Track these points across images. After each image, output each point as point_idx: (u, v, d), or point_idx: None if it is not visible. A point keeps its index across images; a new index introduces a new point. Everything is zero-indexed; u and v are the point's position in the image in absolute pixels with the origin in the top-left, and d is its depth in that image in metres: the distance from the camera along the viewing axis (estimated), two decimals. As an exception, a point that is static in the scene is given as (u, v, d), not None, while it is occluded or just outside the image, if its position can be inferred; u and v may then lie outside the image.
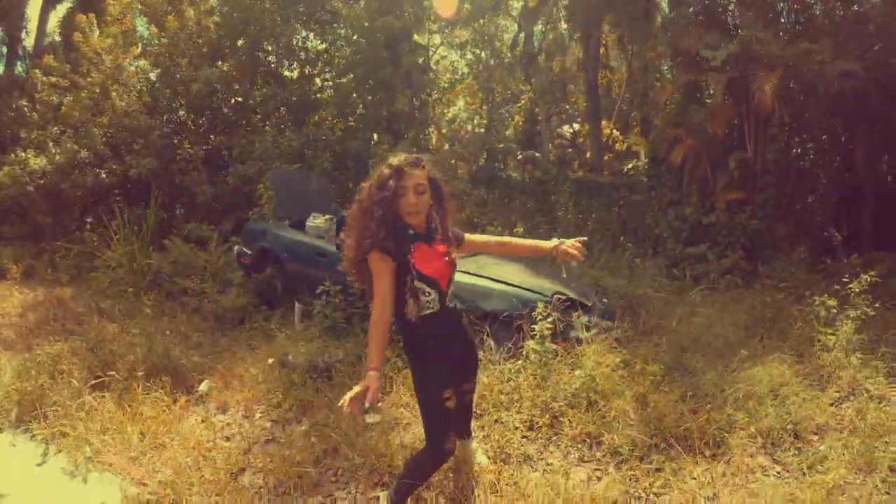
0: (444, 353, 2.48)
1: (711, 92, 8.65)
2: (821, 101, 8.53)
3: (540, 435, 3.28)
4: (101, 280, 7.34)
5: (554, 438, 3.25)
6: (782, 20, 9.29)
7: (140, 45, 10.89)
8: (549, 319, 3.81)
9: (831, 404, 3.50)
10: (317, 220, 5.83)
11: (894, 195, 9.48)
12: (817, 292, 4.99)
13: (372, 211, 2.28)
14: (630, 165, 12.68)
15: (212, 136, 10.27)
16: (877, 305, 4.47)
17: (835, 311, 4.53)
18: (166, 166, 9.52)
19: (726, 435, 3.19)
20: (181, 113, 10.48)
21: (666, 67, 14.14)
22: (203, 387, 4.22)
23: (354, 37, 10.24)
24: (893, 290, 6.34)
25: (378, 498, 2.77)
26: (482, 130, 18.86)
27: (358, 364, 4.24)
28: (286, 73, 11.16)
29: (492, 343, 4.03)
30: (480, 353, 3.94)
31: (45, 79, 10.74)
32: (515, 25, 16.04)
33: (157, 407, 3.67)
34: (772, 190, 8.09)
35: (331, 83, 11.07)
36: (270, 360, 4.53)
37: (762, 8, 8.78)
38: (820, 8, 9.27)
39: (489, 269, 4.74)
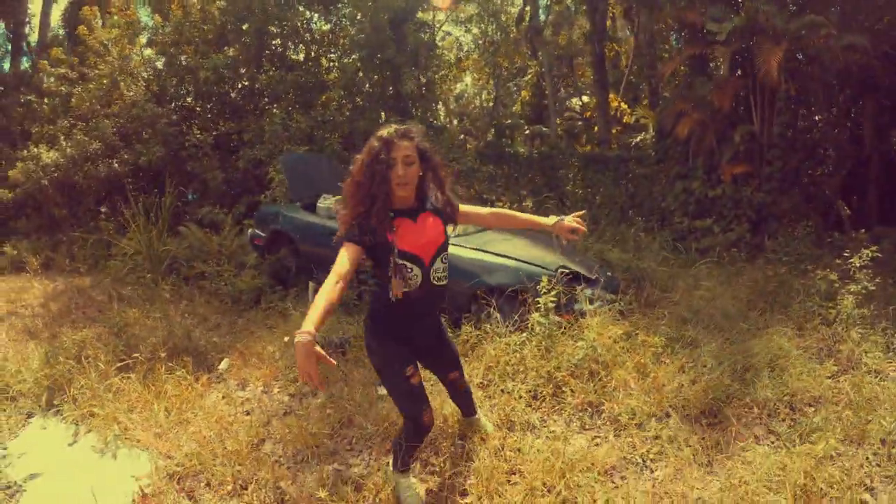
0: (408, 335, 2.50)
1: (717, 65, 8.69)
2: (827, 73, 8.50)
3: (543, 404, 3.46)
4: (119, 268, 7.56)
5: (557, 407, 3.42)
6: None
7: (146, 34, 10.99)
8: (553, 293, 3.97)
9: (829, 377, 3.59)
10: (327, 202, 6.01)
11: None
12: (820, 266, 5.12)
13: (364, 184, 2.28)
14: (638, 139, 12.72)
15: (220, 122, 10.44)
16: (877, 280, 4.56)
17: (836, 285, 4.63)
18: (175, 153, 9.71)
19: (723, 405, 3.35)
20: (189, 100, 10.63)
21: (673, 39, 14.05)
22: (223, 365, 4.44)
23: (359, 16, 10.31)
24: (889, 261, 6.45)
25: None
26: (490, 105, 18.90)
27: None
28: (291, 56, 11.28)
29: (498, 316, 4.20)
30: (487, 327, 4.13)
31: (53, 70, 10.90)
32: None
33: (181, 386, 3.88)
34: (778, 163, 8.14)
35: (336, 64, 11.17)
36: (286, 339, 4.74)
37: None
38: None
39: (494, 245, 4.93)
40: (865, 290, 4.35)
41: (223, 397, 3.91)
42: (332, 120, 9.75)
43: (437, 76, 12.40)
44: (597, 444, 3.08)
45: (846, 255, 4.71)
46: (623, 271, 5.73)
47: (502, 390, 3.56)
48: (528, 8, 15.04)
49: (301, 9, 10.81)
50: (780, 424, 3.20)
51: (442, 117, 15.06)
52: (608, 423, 3.27)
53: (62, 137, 9.92)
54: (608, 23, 15.94)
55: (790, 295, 5.17)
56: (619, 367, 3.62)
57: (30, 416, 3.87)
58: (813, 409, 3.35)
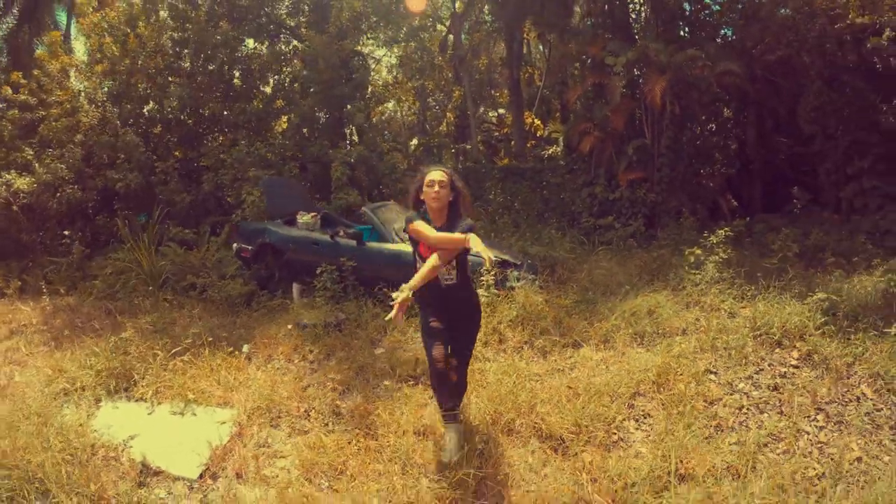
0: (434, 314, 3.58)
1: (614, 91, 10.87)
2: (703, 95, 10.78)
3: (492, 346, 5.19)
4: (100, 287, 8.42)
5: (501, 347, 5.18)
6: (679, 31, 11.58)
7: (104, 62, 11.85)
8: (492, 274, 5.79)
9: (695, 320, 5.44)
10: (305, 218, 7.59)
11: (782, 168, 11.96)
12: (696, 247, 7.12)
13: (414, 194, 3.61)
14: (550, 151, 14.91)
15: (179, 150, 11.66)
16: (730, 252, 6.49)
17: (703, 258, 6.54)
18: (147, 179, 10.87)
19: (614, 336, 5.19)
20: (156, 129, 11.76)
21: (575, 50, 16.29)
22: (245, 349, 5.73)
23: (320, 61, 11.74)
24: (758, 240, 8.70)
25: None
26: (412, 122, 20.71)
27: (359, 319, 6.02)
28: (236, 81, 12.61)
29: None
30: None
31: (14, 95, 11.33)
32: (444, 27, 17.85)
33: (226, 362, 5.21)
34: (666, 169, 10.33)
35: (284, 93, 12.59)
36: (290, 326, 6.20)
37: (660, 20, 11.04)
38: (708, 15, 11.68)
39: None
40: (722, 259, 6.29)
41: (258, 369, 5.31)
42: (286, 145, 11.23)
43: (371, 102, 14.02)
44: (528, 364, 4.82)
45: (706, 237, 6.73)
46: (540, 259, 7.64)
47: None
48: (451, 36, 17.00)
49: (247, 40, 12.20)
50: (654, 345, 5.01)
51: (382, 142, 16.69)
52: (539, 352, 5.04)
53: (35, 163, 10.67)
54: (525, 48, 18.11)
55: (669, 268, 7.14)
56: (542, 320, 5.44)
57: (98, 401, 4.67)
58: (679, 336, 5.12)
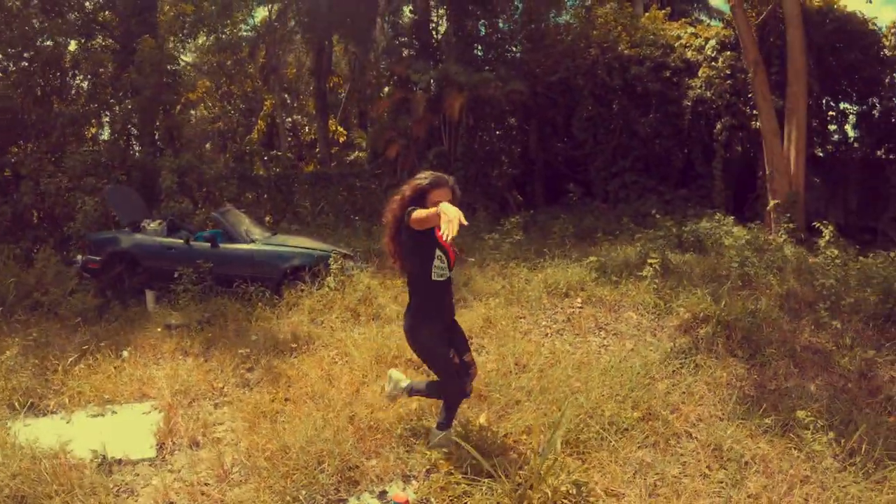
0: (446, 318, 3.52)
1: (417, 105, 12.66)
2: (494, 109, 12.99)
3: (348, 322, 6.39)
4: None
5: (356, 321, 6.41)
6: (475, 50, 13.75)
7: None
8: (337, 264, 7.06)
9: (501, 287, 7.17)
10: (152, 225, 8.09)
11: (560, 167, 14.65)
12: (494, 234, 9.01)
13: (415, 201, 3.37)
14: (353, 156, 16.38)
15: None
16: (520, 235, 8.50)
17: (499, 242, 8.44)
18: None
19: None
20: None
21: (384, 65, 17.92)
22: (125, 354, 5.95)
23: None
24: (542, 226, 10.92)
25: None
26: (221, 127, 20.77)
27: (225, 314, 6.80)
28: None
29: (307, 281, 7.10)
30: (302, 289, 6.91)
31: None
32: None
33: (120, 366, 5.51)
34: (462, 171, 12.28)
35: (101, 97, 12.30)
36: (159, 329, 6.75)
37: (459, 41, 13.02)
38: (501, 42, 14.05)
39: (293, 241, 8.08)
40: (516, 241, 8.22)
41: (154, 364, 5.86)
42: (110, 152, 11.14)
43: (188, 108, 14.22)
44: (382, 328, 6.09)
45: (500, 224, 8.64)
46: (366, 251, 9.08)
47: (322, 321, 6.41)
48: (261, 45, 17.51)
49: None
50: (473, 303, 6.63)
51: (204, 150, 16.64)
52: (384, 322, 6.33)
53: None
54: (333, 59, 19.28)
55: (473, 251, 8.93)
56: (381, 297, 6.81)
57: (5, 423, 4.30)
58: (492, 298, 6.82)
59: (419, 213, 3.15)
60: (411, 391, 3.85)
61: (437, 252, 3.39)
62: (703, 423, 4.13)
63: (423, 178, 3.47)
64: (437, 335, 3.47)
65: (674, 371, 4.90)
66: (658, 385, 4.61)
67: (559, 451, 3.45)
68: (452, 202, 3.32)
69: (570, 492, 3.14)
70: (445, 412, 3.61)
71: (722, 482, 3.40)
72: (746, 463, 3.66)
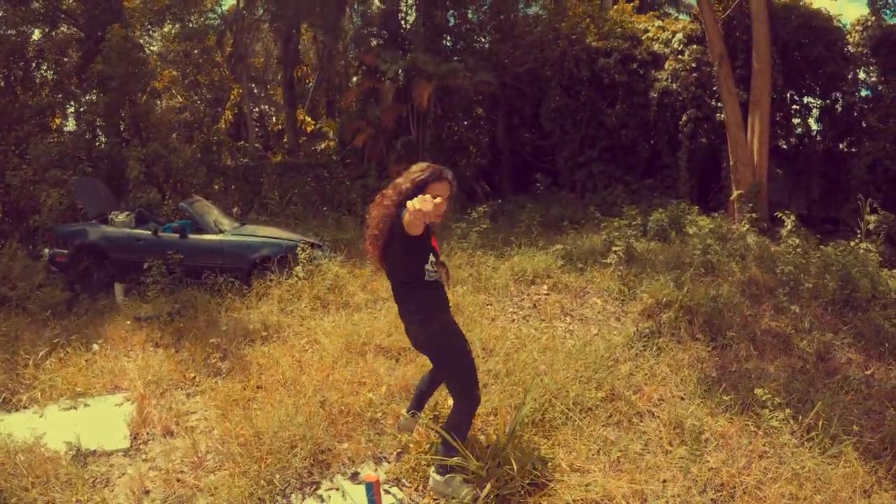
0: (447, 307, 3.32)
1: (385, 94, 12.65)
2: (462, 99, 13.10)
3: (317, 311, 6.46)
4: None
5: (324, 309, 6.48)
6: (444, 41, 13.79)
7: None
8: (305, 253, 7.13)
9: (468, 275, 7.29)
10: (120, 217, 8.02)
11: (527, 157, 14.81)
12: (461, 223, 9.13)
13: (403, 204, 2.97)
14: (322, 146, 16.34)
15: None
16: (488, 224, 8.65)
17: (467, 230, 8.56)
18: None
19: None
20: None
21: (352, 54, 17.89)
22: (95, 347, 5.99)
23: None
24: (509, 215, 11.06)
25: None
26: (187, 118, 20.54)
27: (195, 305, 6.81)
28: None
29: (276, 271, 7.15)
30: (271, 276, 6.97)
31: None
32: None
33: (91, 359, 5.52)
34: (430, 161, 12.38)
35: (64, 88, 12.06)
36: (128, 322, 6.73)
37: (427, 31, 13.06)
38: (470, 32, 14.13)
39: (261, 231, 8.13)
40: (483, 230, 8.36)
41: (114, 357, 5.86)
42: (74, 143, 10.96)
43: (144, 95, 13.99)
44: (353, 315, 6.19)
45: (475, 214, 8.77)
46: (334, 241, 9.12)
47: (292, 310, 6.47)
48: (229, 33, 17.31)
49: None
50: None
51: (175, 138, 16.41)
52: (352, 309, 6.42)
53: None
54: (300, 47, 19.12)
55: (440, 240, 9.00)
56: (351, 285, 6.90)
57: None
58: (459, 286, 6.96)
59: (409, 218, 2.84)
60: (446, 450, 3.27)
61: (430, 257, 3.23)
62: (665, 403, 4.31)
63: (422, 170, 3.20)
64: (452, 328, 3.28)
65: (637, 354, 5.08)
66: (621, 367, 4.79)
67: (524, 429, 3.60)
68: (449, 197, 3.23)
69: (536, 467, 3.28)
70: (456, 432, 3.21)
71: (683, 458, 3.55)
72: (707, 439, 3.82)
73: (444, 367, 3.34)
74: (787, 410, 3.91)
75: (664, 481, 3.36)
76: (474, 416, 3.32)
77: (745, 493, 3.26)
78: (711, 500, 3.23)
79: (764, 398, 4.00)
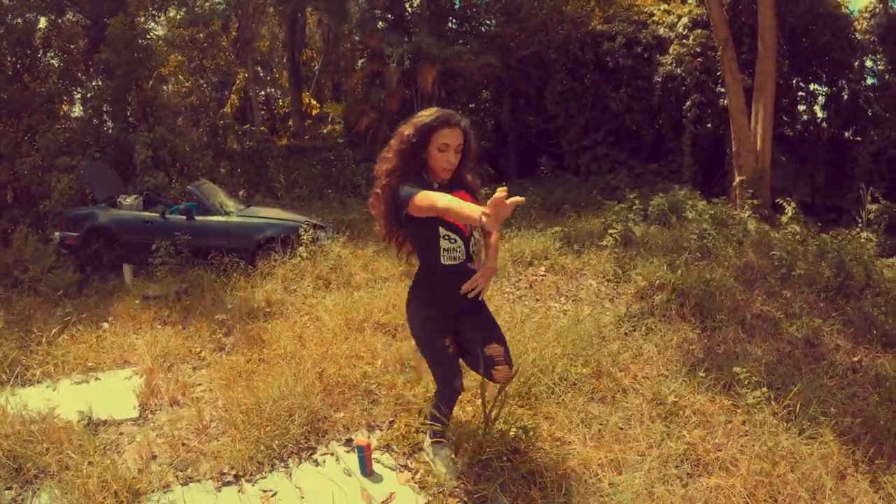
0: (446, 307, 2.89)
1: (390, 77, 12.82)
2: (467, 82, 13.24)
3: (319, 289, 6.70)
4: None
5: (328, 288, 6.71)
6: (448, 24, 13.92)
7: None
8: (308, 234, 7.36)
9: None
10: (128, 200, 8.28)
11: (532, 141, 14.94)
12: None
13: (411, 157, 2.66)
14: (327, 129, 16.55)
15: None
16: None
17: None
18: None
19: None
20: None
21: (357, 38, 18.01)
22: (105, 325, 6.22)
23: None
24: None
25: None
26: (194, 102, 20.76)
27: (202, 285, 7.07)
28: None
29: (280, 251, 7.38)
30: (275, 256, 7.20)
31: None
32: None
33: (103, 335, 5.72)
34: (434, 144, 12.64)
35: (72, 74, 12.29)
36: (137, 301, 6.99)
37: (432, 14, 13.18)
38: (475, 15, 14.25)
39: (265, 213, 8.35)
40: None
41: (124, 334, 6.10)
42: (83, 129, 11.21)
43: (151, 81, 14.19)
44: (353, 293, 6.40)
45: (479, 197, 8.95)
46: (337, 222, 9.35)
47: (295, 288, 6.71)
48: (234, 17, 17.46)
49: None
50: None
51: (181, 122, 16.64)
52: (353, 288, 6.65)
53: None
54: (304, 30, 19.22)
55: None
56: (352, 266, 7.12)
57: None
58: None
59: (425, 199, 2.47)
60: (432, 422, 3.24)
61: (443, 231, 2.75)
62: (649, 381, 4.49)
63: (427, 114, 2.75)
64: (424, 319, 2.97)
65: (626, 333, 5.26)
66: (610, 345, 4.97)
67: (509, 401, 3.80)
68: (465, 147, 2.78)
69: (519, 436, 3.49)
70: (437, 409, 3.10)
71: (662, 432, 3.71)
72: (687, 416, 3.97)
73: (421, 353, 3.20)
74: (764, 389, 4.02)
75: (641, 454, 3.52)
76: (454, 404, 3.20)
77: (719, 468, 3.39)
78: (687, 473, 3.37)
79: (742, 376, 4.13)
